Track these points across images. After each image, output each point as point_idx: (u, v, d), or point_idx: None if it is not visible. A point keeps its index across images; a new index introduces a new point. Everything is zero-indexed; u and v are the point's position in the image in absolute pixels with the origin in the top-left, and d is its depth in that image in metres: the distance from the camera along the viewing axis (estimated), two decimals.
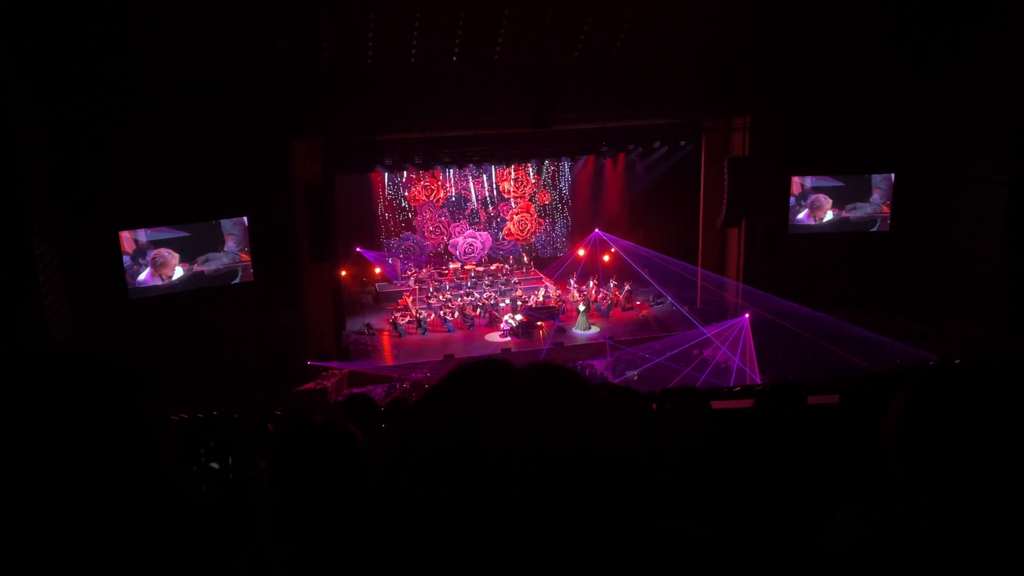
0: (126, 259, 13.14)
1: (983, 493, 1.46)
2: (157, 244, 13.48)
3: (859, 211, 16.22)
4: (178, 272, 13.78)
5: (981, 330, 13.75)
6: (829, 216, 16.22)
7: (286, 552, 1.86)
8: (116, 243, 12.99)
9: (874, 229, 16.19)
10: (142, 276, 13.38)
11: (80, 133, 11.88)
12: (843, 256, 15.79)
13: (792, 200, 16.20)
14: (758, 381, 13.97)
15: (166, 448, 1.05)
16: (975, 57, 13.79)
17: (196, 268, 13.94)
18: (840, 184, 16.15)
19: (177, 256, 13.72)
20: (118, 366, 1.06)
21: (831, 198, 16.16)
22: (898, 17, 13.83)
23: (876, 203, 16.13)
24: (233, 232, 14.17)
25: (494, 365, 1.02)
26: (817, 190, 16.17)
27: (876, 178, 16.04)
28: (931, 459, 1.49)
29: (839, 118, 14.93)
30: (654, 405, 4.63)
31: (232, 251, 14.18)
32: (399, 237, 21.74)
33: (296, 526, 1.97)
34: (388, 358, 16.81)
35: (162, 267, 13.58)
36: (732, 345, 15.58)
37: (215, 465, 1.48)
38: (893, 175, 15.90)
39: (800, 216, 16.26)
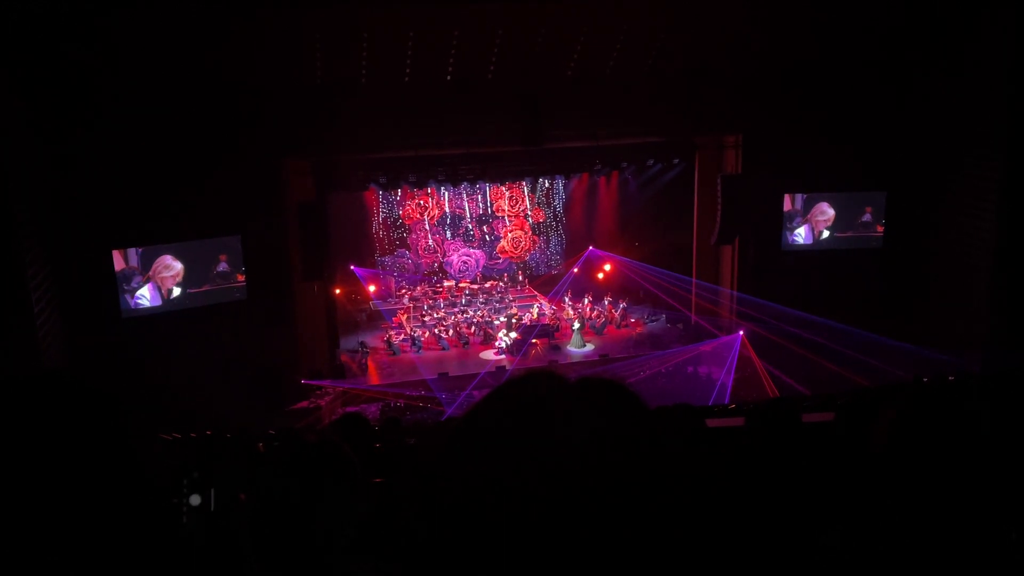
0: (120, 278, 13.12)
1: (969, 508, 1.46)
2: (149, 264, 13.44)
3: (852, 229, 16.28)
4: (175, 290, 13.76)
5: (974, 346, 13.77)
6: (826, 233, 16.25)
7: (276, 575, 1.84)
8: (109, 262, 12.97)
9: (867, 246, 16.23)
10: (141, 292, 13.35)
11: (71, 153, 11.87)
12: (836, 273, 15.80)
13: (797, 218, 16.23)
14: (754, 397, 13.96)
15: (151, 470, 1.04)
16: (963, 74, 13.90)
17: (190, 288, 13.91)
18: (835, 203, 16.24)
19: (180, 264, 13.70)
20: (99, 390, 1.06)
21: (833, 208, 16.21)
22: (891, 37, 13.93)
23: (869, 221, 16.20)
24: (227, 251, 14.15)
25: (545, 378, 1.00)
26: (812, 203, 16.22)
27: (869, 196, 16.11)
28: (918, 474, 1.49)
29: (832, 136, 14.98)
30: None
31: (226, 270, 14.16)
32: (393, 255, 21.73)
33: (287, 548, 1.95)
34: (382, 376, 16.74)
35: (164, 273, 13.54)
36: (725, 361, 15.60)
37: (196, 499, 1.47)
38: (886, 193, 15.97)
39: (799, 231, 16.28)
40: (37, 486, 0.97)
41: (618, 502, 0.88)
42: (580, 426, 0.92)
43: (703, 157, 17.13)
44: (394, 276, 21.65)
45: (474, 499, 0.90)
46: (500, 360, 17.20)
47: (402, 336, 18.59)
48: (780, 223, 16.24)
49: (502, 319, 18.97)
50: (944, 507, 1.47)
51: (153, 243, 13.43)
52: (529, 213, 22.33)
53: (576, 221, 22.34)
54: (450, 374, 16.19)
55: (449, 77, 13.93)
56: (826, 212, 16.22)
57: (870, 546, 1.52)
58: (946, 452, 1.47)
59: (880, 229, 16.16)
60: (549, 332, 18.23)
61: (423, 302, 20.65)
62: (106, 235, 12.83)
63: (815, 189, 16.14)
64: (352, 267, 20.41)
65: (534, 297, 21.12)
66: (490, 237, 22.32)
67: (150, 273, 13.45)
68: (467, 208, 21.95)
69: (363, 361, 17.31)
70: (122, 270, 13.20)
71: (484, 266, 22.31)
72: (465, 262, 22.17)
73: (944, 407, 1.51)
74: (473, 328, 18.78)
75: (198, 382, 12.52)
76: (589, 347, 17.81)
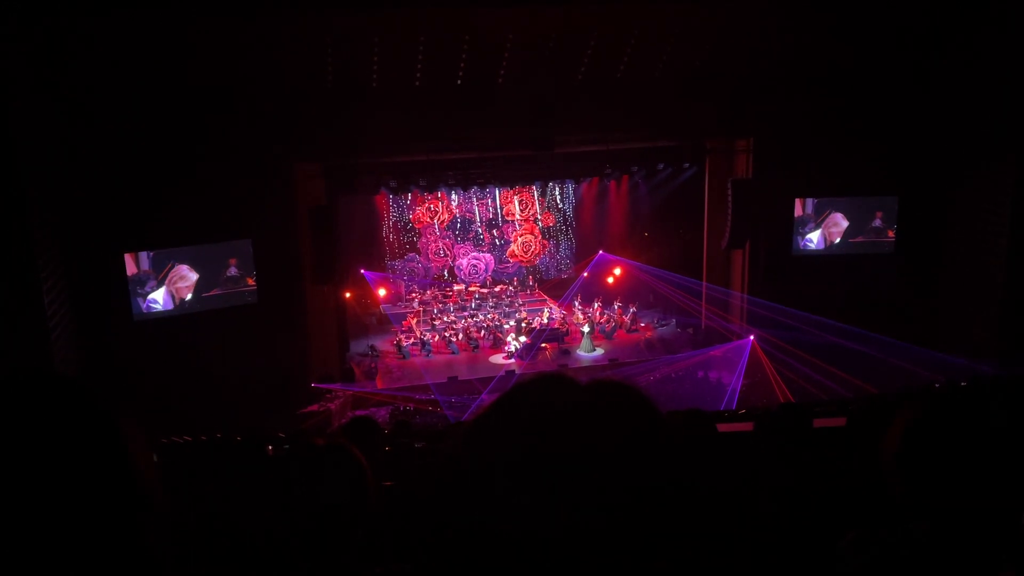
0: (132, 281, 13.18)
1: (981, 515, 1.44)
2: (161, 267, 13.50)
3: (863, 234, 16.20)
4: (188, 296, 13.82)
5: (987, 350, 13.68)
6: (838, 239, 16.17)
7: None
8: (121, 265, 13.03)
9: (878, 251, 16.15)
10: (154, 296, 13.41)
11: (83, 157, 11.93)
12: (848, 277, 15.74)
13: (809, 224, 16.15)
14: (764, 402, 13.90)
15: (145, 470, 1.03)
16: (977, 79, 13.82)
17: (201, 293, 13.96)
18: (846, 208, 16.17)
19: (196, 275, 13.77)
20: (92, 388, 1.05)
21: (846, 219, 16.14)
22: (901, 40, 13.88)
23: (880, 226, 16.12)
24: (237, 255, 14.19)
25: (556, 380, 0.99)
26: (823, 208, 16.15)
27: (880, 200, 16.03)
28: (931, 480, 1.48)
29: (843, 140, 14.93)
30: None
31: (235, 275, 14.20)
32: (403, 259, 21.77)
33: (297, 550, 1.95)
34: (392, 380, 16.76)
35: (180, 283, 13.63)
36: (735, 365, 15.55)
37: None
38: (897, 197, 15.89)
39: (811, 237, 16.20)
40: (16, 490, 0.96)
41: (631, 506, 0.87)
42: (592, 429, 0.92)
43: (714, 161, 17.09)
44: (404, 280, 21.68)
45: (482, 502, 0.90)
46: (509, 364, 17.19)
47: (412, 340, 18.61)
48: (791, 228, 16.18)
49: (512, 323, 18.97)
50: (957, 512, 1.46)
51: (164, 247, 13.49)
52: (539, 217, 22.33)
53: (586, 225, 22.33)
54: (459, 378, 16.20)
55: (460, 81, 13.95)
56: (839, 224, 16.16)
57: (884, 551, 1.50)
58: (959, 457, 1.45)
59: (891, 234, 16.07)
60: (559, 336, 18.22)
61: (433, 306, 20.67)
62: (118, 239, 12.88)
63: (826, 193, 16.07)
64: (362, 271, 20.45)
65: (544, 301, 21.11)
66: (500, 241, 22.33)
67: (165, 281, 13.52)
68: (477, 212, 21.98)
69: (373, 365, 17.34)
70: (134, 274, 13.26)
71: (494, 270, 22.32)
72: (475, 266, 22.19)
73: (957, 412, 1.50)
74: (483, 332, 18.78)
75: (208, 385, 12.59)
76: (598, 351, 17.78)
